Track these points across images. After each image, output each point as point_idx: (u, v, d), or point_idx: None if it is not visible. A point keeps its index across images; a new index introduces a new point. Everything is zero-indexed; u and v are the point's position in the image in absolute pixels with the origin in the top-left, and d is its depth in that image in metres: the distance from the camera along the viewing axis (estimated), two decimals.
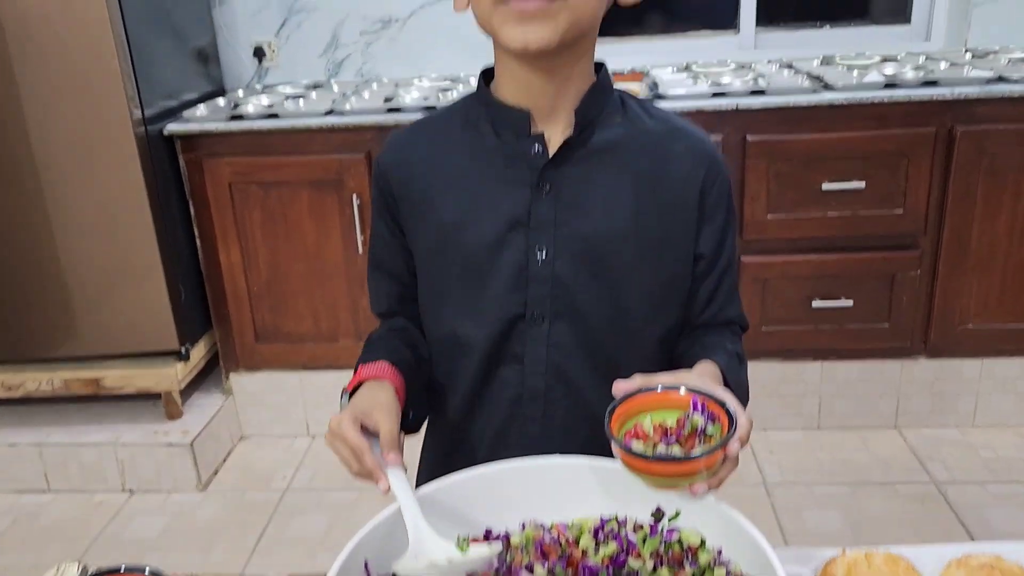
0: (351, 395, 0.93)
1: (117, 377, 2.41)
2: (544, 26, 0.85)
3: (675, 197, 0.97)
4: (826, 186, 2.23)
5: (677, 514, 0.80)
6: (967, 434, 2.44)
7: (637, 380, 0.84)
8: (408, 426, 0.98)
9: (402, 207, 1.01)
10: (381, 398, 0.89)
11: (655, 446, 0.79)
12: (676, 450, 0.78)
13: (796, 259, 2.32)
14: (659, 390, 0.83)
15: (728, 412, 0.79)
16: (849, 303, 2.34)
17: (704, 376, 0.89)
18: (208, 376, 2.66)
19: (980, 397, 2.45)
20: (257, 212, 2.38)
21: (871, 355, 2.43)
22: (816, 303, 2.34)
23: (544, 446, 0.96)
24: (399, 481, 0.81)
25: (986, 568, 0.77)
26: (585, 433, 0.97)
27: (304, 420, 2.63)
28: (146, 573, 0.78)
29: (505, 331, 0.97)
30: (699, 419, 0.80)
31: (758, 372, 2.45)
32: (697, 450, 0.77)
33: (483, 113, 0.97)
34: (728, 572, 0.75)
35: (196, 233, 2.41)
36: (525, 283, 0.95)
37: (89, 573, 0.84)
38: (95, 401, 2.52)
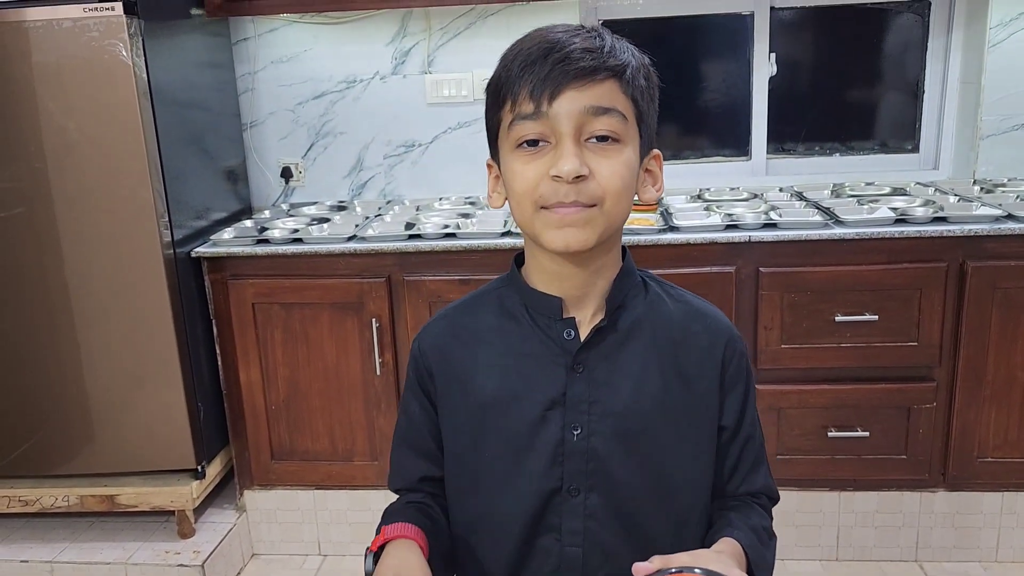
0: (375, 556, 0.95)
1: (132, 495, 2.41)
2: (584, 231, 0.92)
3: (698, 372, 1.02)
4: (839, 318, 2.25)
5: None
6: (990, 569, 2.39)
7: (656, 562, 0.86)
8: None
9: (439, 388, 1.05)
10: (412, 561, 0.92)
11: None
12: None
13: (811, 388, 2.33)
14: (673, 572, 0.84)
15: None
16: (866, 434, 2.33)
17: (723, 556, 0.91)
18: (222, 492, 2.66)
19: (1002, 531, 2.40)
20: (279, 332, 2.42)
21: (889, 486, 2.40)
22: (832, 433, 2.34)
23: None
24: None
25: None
26: None
27: (316, 539, 2.61)
28: None
29: (542, 505, 1.00)
30: None
31: None
32: None
33: (517, 298, 1.03)
34: None
35: (218, 351, 2.45)
36: (562, 459, 0.99)
37: None
38: (108, 516, 2.52)
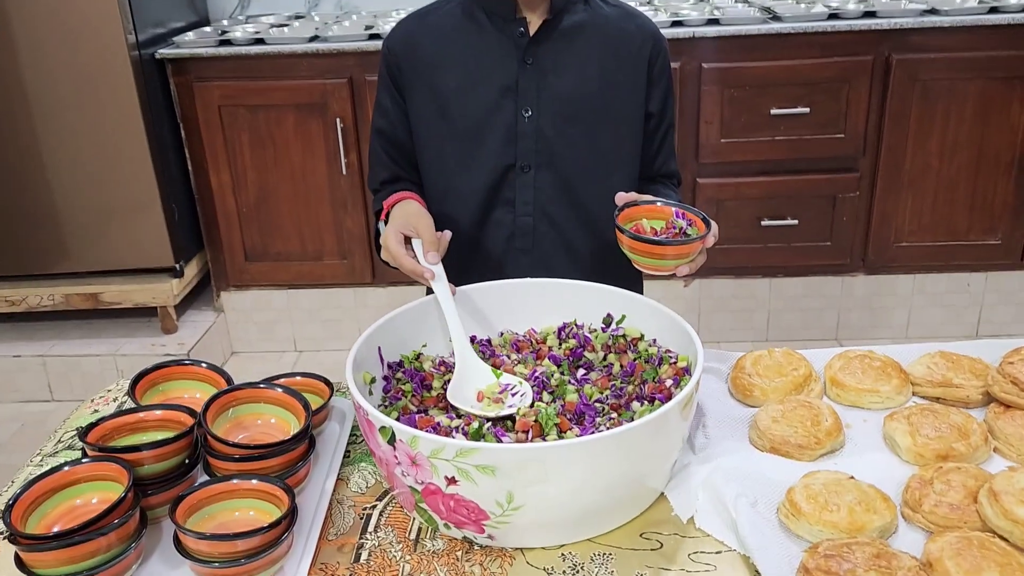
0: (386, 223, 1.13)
1: (115, 292, 2.56)
2: None
3: (630, 65, 1.19)
4: (775, 111, 2.42)
5: (623, 318, 1.00)
6: (901, 345, 2.67)
7: (633, 194, 1.06)
8: None
9: (406, 79, 1.20)
10: (411, 209, 1.10)
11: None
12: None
13: (747, 181, 2.52)
14: (658, 204, 1.05)
15: (704, 219, 1.01)
16: (795, 222, 2.55)
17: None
18: (200, 294, 2.81)
19: (912, 311, 2.68)
20: (245, 135, 2.52)
21: (815, 272, 2.65)
22: (765, 222, 2.55)
23: (532, 273, 1.18)
24: (440, 287, 1.00)
25: (860, 356, 0.98)
26: (565, 264, 1.20)
27: (292, 336, 2.80)
28: (202, 365, 0.96)
29: (498, 179, 1.19)
30: (681, 223, 1.03)
31: (712, 289, 2.68)
32: (691, 232, 1.00)
33: (475, 2, 1.17)
34: (659, 349, 0.96)
35: (187, 155, 2.55)
36: (514, 138, 1.17)
37: (138, 371, 1.02)
38: (94, 316, 2.67)
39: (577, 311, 1.02)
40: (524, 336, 1.02)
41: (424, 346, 1.00)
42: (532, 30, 1.15)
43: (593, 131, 1.18)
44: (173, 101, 2.50)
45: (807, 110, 2.42)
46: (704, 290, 2.68)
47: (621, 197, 1.04)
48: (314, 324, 2.78)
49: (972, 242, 2.58)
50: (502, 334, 1.04)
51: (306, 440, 0.89)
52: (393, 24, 2.46)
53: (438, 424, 0.86)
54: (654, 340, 0.97)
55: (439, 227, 1.17)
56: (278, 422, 0.94)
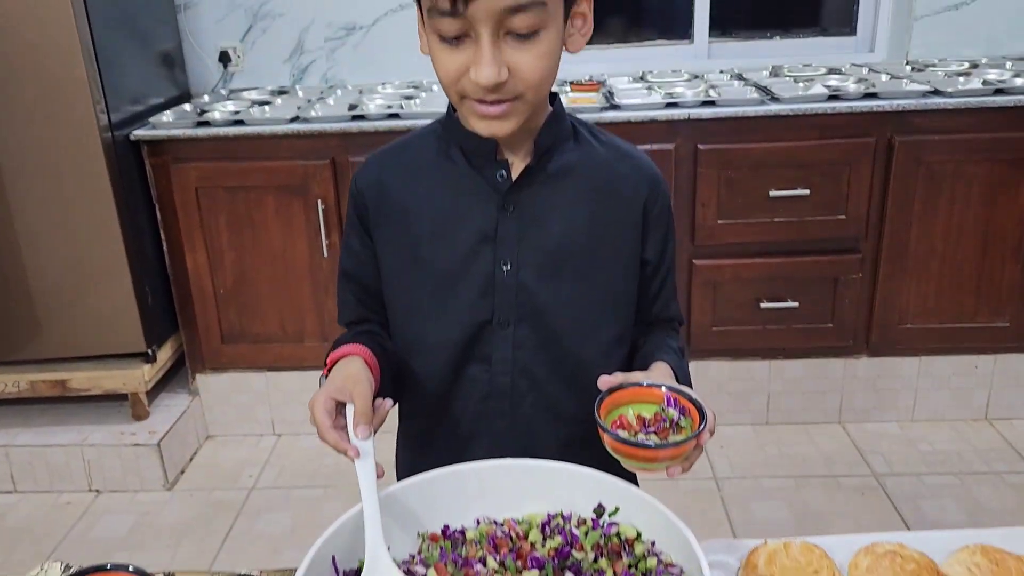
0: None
1: (84, 379, 2.44)
2: (507, 122, 0.96)
3: (623, 212, 1.08)
4: (773, 193, 2.34)
5: (616, 510, 0.89)
6: (906, 428, 2.57)
7: (618, 376, 0.94)
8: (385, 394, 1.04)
9: (375, 222, 1.09)
10: (351, 370, 0.96)
11: (636, 434, 0.89)
12: (653, 438, 0.88)
13: (745, 262, 2.43)
14: (644, 385, 0.93)
15: (698, 407, 0.89)
16: (795, 304, 2.45)
17: (662, 376, 1.00)
18: (175, 376, 2.70)
19: (918, 393, 2.58)
20: (223, 216, 2.42)
21: (816, 354, 2.55)
22: (764, 304, 2.45)
23: (511, 439, 1.07)
24: (364, 467, 0.87)
25: (889, 555, 0.87)
26: (548, 427, 1.08)
27: (270, 419, 2.68)
28: (130, 570, 0.83)
29: (474, 334, 1.06)
30: (673, 412, 0.91)
31: (710, 370, 2.57)
32: (675, 438, 0.88)
33: (453, 140, 1.06)
34: (659, 561, 0.84)
35: (162, 236, 2.45)
36: (492, 291, 1.05)
37: (71, 572, 0.90)
38: (62, 402, 2.55)
39: (564, 498, 0.91)
40: (503, 530, 0.89)
41: (387, 549, 0.87)
42: (515, 173, 1.04)
43: (581, 284, 1.06)
44: (148, 182, 2.40)
45: (807, 192, 2.33)
46: (701, 372, 2.57)
47: (604, 381, 0.93)
48: (294, 407, 2.66)
49: (979, 325, 2.48)
50: (479, 522, 0.91)
51: None
52: (376, 105, 2.41)
53: None
54: (652, 544, 0.85)
55: (408, 383, 1.06)
56: None
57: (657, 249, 1.10)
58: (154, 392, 2.59)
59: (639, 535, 0.87)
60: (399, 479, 1.10)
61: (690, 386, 1.06)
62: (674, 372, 1.04)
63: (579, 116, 1.12)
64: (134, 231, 2.38)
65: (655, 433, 0.89)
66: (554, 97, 1.06)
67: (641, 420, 0.91)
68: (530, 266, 1.04)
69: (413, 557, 0.89)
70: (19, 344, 2.42)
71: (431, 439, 1.13)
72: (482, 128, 0.97)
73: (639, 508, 0.86)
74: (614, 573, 0.83)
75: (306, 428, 2.68)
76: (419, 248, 1.06)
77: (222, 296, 2.51)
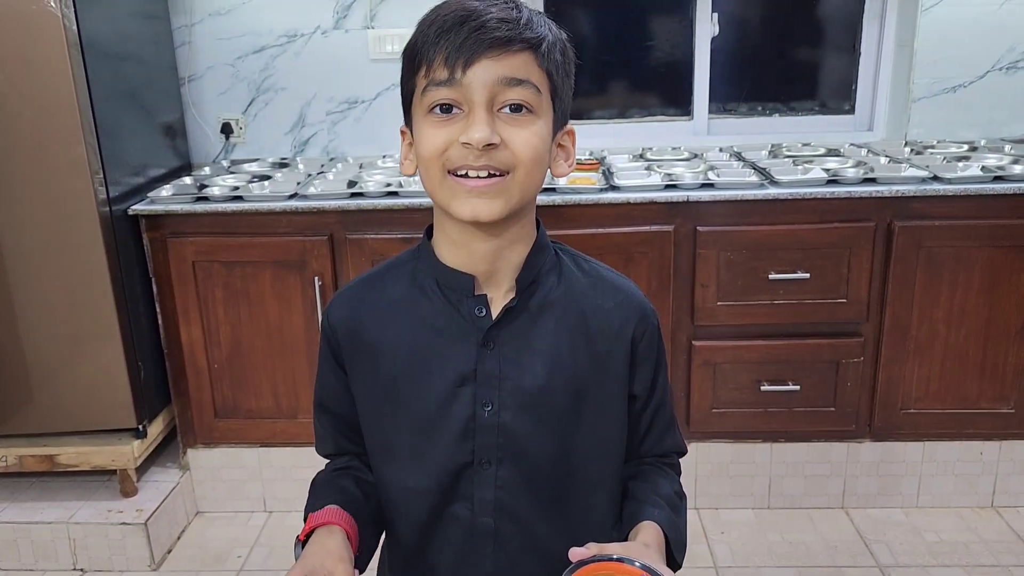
0: (304, 544, 0.96)
1: (72, 454, 2.40)
2: (494, 202, 0.91)
3: (609, 347, 1.03)
4: (772, 275, 2.32)
5: None
6: (911, 515, 2.51)
7: (593, 548, 0.88)
8: (362, 564, 1.00)
9: (349, 359, 1.05)
10: (331, 546, 0.92)
11: None
12: None
13: (745, 344, 2.40)
14: (614, 559, 0.87)
15: None
16: (796, 387, 2.41)
17: (650, 550, 0.94)
18: (165, 450, 2.65)
19: (923, 479, 2.52)
20: (220, 290, 2.40)
21: (818, 437, 2.50)
22: (765, 387, 2.42)
23: None
24: None
25: None
26: (535, 568, 1.02)
27: (262, 496, 2.63)
28: None
29: (454, 477, 1.01)
30: None
31: (710, 453, 2.52)
32: None
33: (429, 273, 1.01)
34: None
35: (158, 309, 2.43)
36: (472, 434, 1.00)
37: None
38: (49, 476, 2.50)
39: None
40: None
41: None
42: (495, 309, 0.99)
43: (566, 423, 1.01)
44: (145, 255, 2.39)
45: (807, 275, 2.31)
46: (701, 454, 2.52)
47: (575, 553, 0.87)
48: (286, 483, 2.61)
49: (984, 410, 2.44)
50: None
51: None
52: (376, 181, 2.41)
53: None
54: None
55: (388, 523, 1.01)
56: None
57: (646, 383, 1.06)
58: (144, 467, 2.54)
59: None
60: None
61: (683, 545, 1.02)
62: (664, 532, 0.99)
63: (561, 245, 1.08)
64: (129, 304, 2.36)
65: None
66: (538, 225, 1.03)
67: None
68: (511, 407, 0.99)
69: None
70: (9, 418, 2.38)
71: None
72: (466, 210, 0.91)
73: None
74: None
75: (297, 505, 2.61)
76: (394, 389, 1.02)
77: (216, 370, 2.48)
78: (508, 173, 0.91)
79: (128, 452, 2.40)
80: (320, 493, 1.04)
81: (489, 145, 0.88)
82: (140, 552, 2.37)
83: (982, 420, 2.45)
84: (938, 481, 2.52)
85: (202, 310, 2.42)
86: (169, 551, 2.45)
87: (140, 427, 2.41)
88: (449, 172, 0.92)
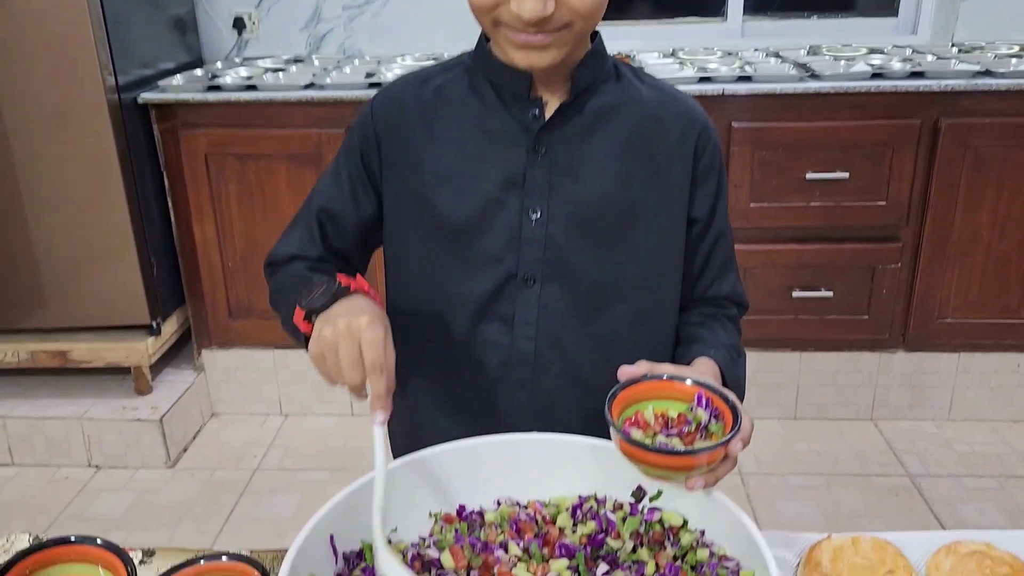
0: (306, 340, 0.83)
1: (85, 350, 2.35)
2: (549, 53, 0.85)
3: (667, 161, 0.95)
4: (810, 175, 2.21)
5: (659, 494, 0.78)
6: (942, 427, 2.45)
7: (643, 366, 0.82)
8: None
9: (387, 155, 0.97)
10: (382, 319, 0.79)
11: (655, 436, 0.77)
12: (676, 443, 0.76)
13: (778, 248, 2.31)
14: (664, 379, 0.80)
15: (733, 410, 0.76)
16: (829, 294, 2.33)
17: (704, 375, 0.86)
18: (180, 352, 2.61)
19: (956, 391, 2.45)
20: (233, 185, 2.32)
21: (850, 347, 2.42)
22: (796, 293, 2.33)
23: (532, 413, 0.95)
24: (381, 442, 0.75)
25: (976, 555, 0.75)
26: (574, 401, 0.95)
27: (277, 399, 2.59)
28: (97, 543, 0.74)
29: (494, 291, 0.94)
30: (703, 414, 0.78)
31: None
32: (699, 444, 0.75)
33: (483, 72, 0.94)
34: (712, 553, 0.73)
35: (170, 205, 2.36)
36: (518, 244, 0.93)
37: (38, 543, 0.80)
38: (62, 374, 2.46)
39: (597, 479, 0.80)
40: (528, 512, 0.78)
41: (394, 530, 0.76)
42: (548, 112, 0.92)
43: (618, 241, 0.94)
44: (156, 148, 2.30)
45: (846, 175, 2.21)
46: None
47: (625, 372, 0.80)
48: (302, 386, 2.57)
49: None
50: (499, 503, 0.80)
51: None
52: (395, 74, 2.31)
53: None
54: (702, 533, 0.74)
55: (408, 352, 0.91)
56: None
57: (706, 206, 0.98)
58: (158, 367, 2.50)
59: (685, 523, 0.76)
60: (395, 452, 0.99)
61: (742, 393, 0.95)
62: (721, 374, 0.92)
63: (620, 60, 1.01)
64: (141, 199, 2.28)
65: (677, 437, 0.76)
66: (595, 34, 0.94)
67: (663, 420, 0.78)
68: (561, 219, 0.92)
69: (424, 540, 0.78)
70: (20, 313, 2.33)
71: (439, 409, 1.02)
72: (520, 59, 0.86)
73: (685, 492, 0.75)
74: (656, 566, 0.72)
75: (314, 409, 2.60)
76: (436, 189, 0.94)
77: (230, 270, 2.41)
78: (566, 27, 0.84)
79: (142, 349, 2.35)
80: (305, 277, 0.91)
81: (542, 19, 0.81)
82: (156, 450, 2.34)
83: (1022, 331, 2.36)
84: (972, 393, 2.45)
85: (215, 207, 2.35)
86: (185, 450, 2.42)
87: (154, 324, 2.36)
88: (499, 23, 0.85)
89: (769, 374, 2.46)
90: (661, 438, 0.76)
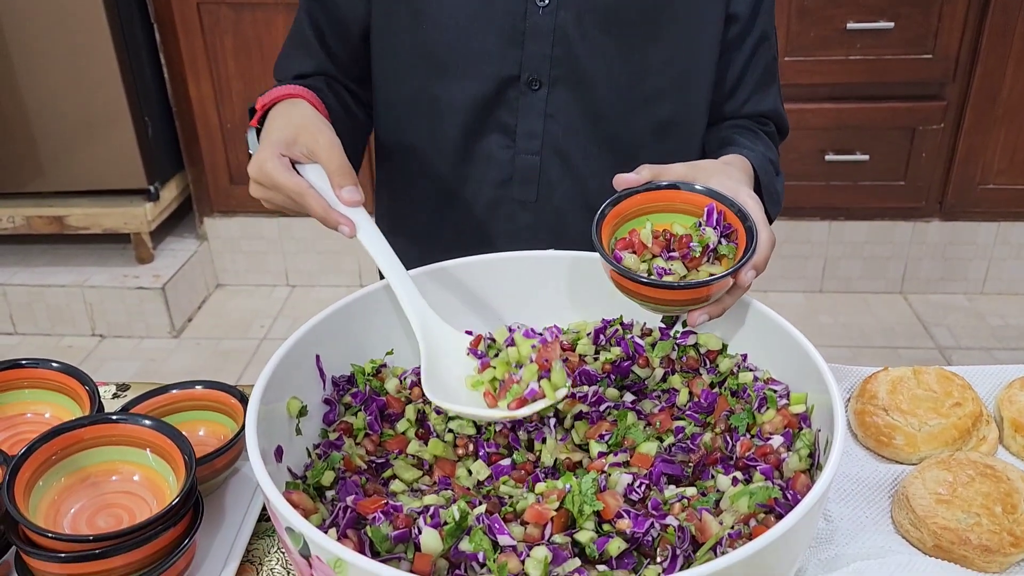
0: (259, 131, 0.74)
1: (82, 216, 2.26)
2: None
3: None
4: (851, 25, 2.04)
5: None
6: (974, 301, 2.34)
7: (645, 172, 0.68)
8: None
9: None
10: (298, 118, 0.69)
11: (652, 259, 0.64)
12: (678, 268, 0.63)
13: (812, 107, 2.15)
14: (667, 187, 0.66)
15: (748, 228, 0.63)
16: (865, 158, 2.19)
17: (731, 168, 0.72)
18: (182, 221, 2.51)
19: (992, 263, 2.33)
20: (229, 38, 2.17)
21: (882, 216, 2.29)
22: (830, 156, 2.19)
23: (535, 239, 0.84)
24: (369, 235, 0.64)
25: None
26: (584, 226, 0.83)
27: (283, 269, 2.50)
28: (53, 366, 0.66)
29: (492, 96, 0.81)
30: (711, 235, 0.64)
31: None
32: (701, 273, 0.62)
33: None
34: (756, 378, 0.63)
35: (163, 61, 2.21)
36: (521, 38, 0.79)
37: None
38: (61, 242, 2.38)
39: (623, 301, 0.69)
40: (544, 339, 0.68)
41: (390, 353, 0.67)
42: None
43: (641, 40, 0.79)
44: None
45: (890, 25, 2.03)
46: None
47: (621, 180, 0.66)
48: (309, 256, 2.48)
49: None
50: (511, 331, 0.70)
51: (188, 511, 0.57)
52: None
53: (394, 508, 0.52)
54: (744, 357, 0.64)
55: (398, 163, 0.80)
56: (145, 478, 0.61)
57: (748, 2, 0.82)
58: (159, 235, 2.41)
59: (724, 347, 0.65)
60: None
61: (777, 206, 0.81)
62: (755, 173, 0.78)
63: None
64: (131, 54, 2.14)
65: (680, 260, 0.63)
66: None
67: (665, 239, 0.64)
68: (572, 7, 0.78)
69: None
70: (12, 177, 2.23)
71: (431, 229, 0.90)
72: None
73: (727, 313, 0.64)
74: (690, 394, 0.62)
75: (321, 280, 2.51)
76: None
77: (229, 131, 2.28)
78: None
79: (141, 215, 2.26)
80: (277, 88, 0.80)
81: None
82: (160, 319, 2.27)
83: None
84: (1009, 265, 2.33)
85: (211, 62, 2.20)
86: (190, 319, 2.36)
87: (152, 188, 2.25)
88: None
89: (796, 244, 2.35)
90: (660, 262, 0.63)
